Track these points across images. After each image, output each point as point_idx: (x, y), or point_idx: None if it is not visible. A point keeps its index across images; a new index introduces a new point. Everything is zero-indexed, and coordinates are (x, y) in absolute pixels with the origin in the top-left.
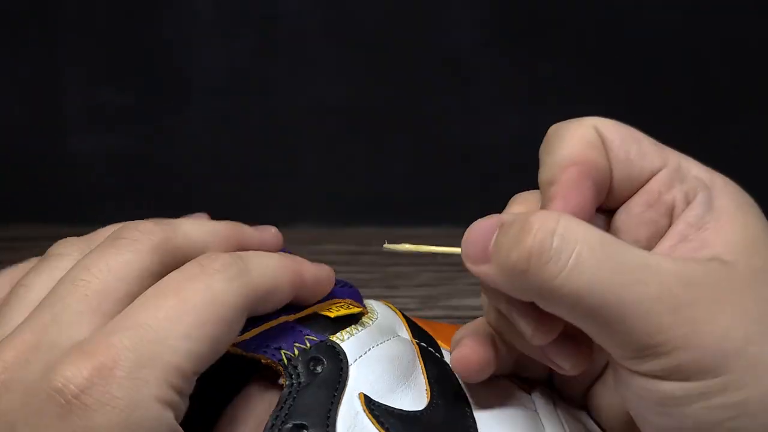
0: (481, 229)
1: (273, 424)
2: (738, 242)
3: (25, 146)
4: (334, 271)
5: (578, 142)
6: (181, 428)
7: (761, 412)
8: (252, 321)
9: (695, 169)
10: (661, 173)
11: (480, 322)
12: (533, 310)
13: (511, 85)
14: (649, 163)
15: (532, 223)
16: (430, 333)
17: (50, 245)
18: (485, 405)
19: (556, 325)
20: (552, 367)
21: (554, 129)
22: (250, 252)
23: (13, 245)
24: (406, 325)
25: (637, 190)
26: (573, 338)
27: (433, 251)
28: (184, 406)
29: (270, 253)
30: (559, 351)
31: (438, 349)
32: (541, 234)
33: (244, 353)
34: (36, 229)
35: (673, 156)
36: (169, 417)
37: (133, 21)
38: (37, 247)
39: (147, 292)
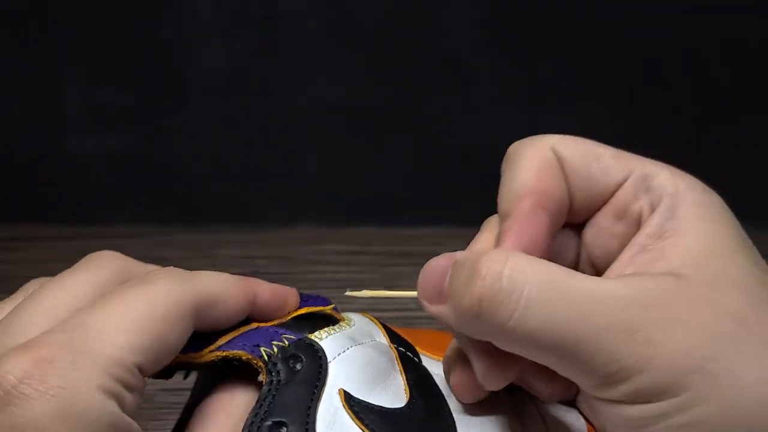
0: (435, 269)
1: (252, 422)
2: (696, 252)
3: (25, 146)
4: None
5: (535, 166)
6: (129, 418)
7: (722, 427)
8: (222, 333)
9: (660, 176)
10: (626, 184)
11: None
12: (489, 353)
13: (511, 85)
14: (612, 177)
15: (481, 266)
16: (409, 340)
17: (50, 245)
18: (464, 406)
19: (510, 370)
20: (532, 393)
21: (513, 149)
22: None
23: (13, 245)
24: (384, 332)
25: (605, 203)
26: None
27: (392, 296)
28: (132, 399)
29: (220, 272)
30: (537, 379)
31: (416, 354)
32: (489, 279)
33: (225, 353)
34: (36, 229)
35: (638, 164)
36: (111, 406)
37: (133, 21)
38: (37, 247)
39: (95, 301)
